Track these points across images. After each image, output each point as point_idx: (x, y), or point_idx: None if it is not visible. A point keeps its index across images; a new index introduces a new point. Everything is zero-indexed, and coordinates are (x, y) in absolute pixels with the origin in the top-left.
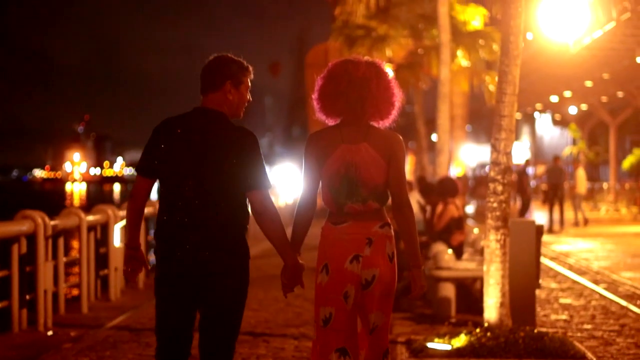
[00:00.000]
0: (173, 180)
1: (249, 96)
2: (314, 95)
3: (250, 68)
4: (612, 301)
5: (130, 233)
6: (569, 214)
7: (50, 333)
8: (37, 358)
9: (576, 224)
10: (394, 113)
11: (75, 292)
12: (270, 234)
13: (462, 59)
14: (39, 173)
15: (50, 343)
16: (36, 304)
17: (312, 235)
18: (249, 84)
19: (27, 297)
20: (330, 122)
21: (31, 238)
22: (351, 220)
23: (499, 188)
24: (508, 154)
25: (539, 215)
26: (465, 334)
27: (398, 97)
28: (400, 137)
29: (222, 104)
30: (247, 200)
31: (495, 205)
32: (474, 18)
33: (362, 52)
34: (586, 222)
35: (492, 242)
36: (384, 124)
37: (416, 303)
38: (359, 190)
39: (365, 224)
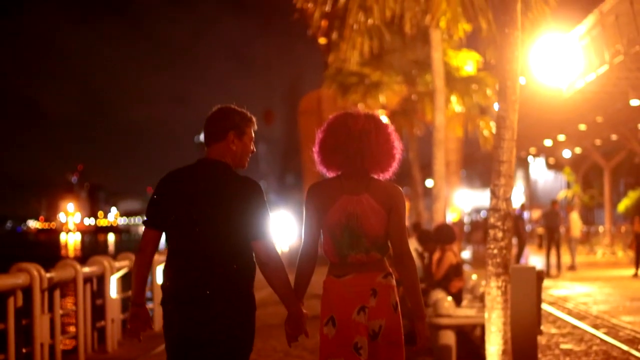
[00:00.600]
0: (179, 232)
1: (252, 146)
2: (315, 149)
3: (254, 119)
4: (613, 346)
5: (137, 289)
6: (565, 258)
7: None
8: None
9: (572, 267)
10: (394, 165)
11: (72, 344)
12: (275, 283)
13: (456, 105)
14: (33, 224)
15: None
16: (33, 357)
17: (312, 282)
18: (253, 134)
19: (24, 350)
20: (331, 175)
21: (27, 291)
22: (354, 273)
23: (499, 234)
24: (507, 200)
25: (534, 259)
26: None
27: (398, 149)
28: (400, 189)
29: (225, 155)
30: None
31: (495, 251)
32: (467, 63)
33: (355, 99)
34: (573, 268)
35: (493, 289)
36: (385, 176)
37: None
38: (362, 241)
39: (369, 275)
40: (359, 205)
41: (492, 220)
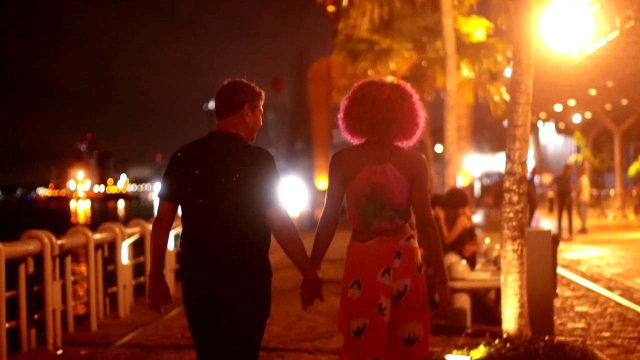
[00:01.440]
0: (194, 204)
1: (260, 121)
2: (339, 115)
3: (263, 94)
4: (628, 308)
5: (154, 263)
6: (576, 221)
7: (59, 352)
8: None
9: (583, 230)
10: (418, 133)
11: (83, 310)
12: (290, 249)
13: (466, 70)
14: (43, 192)
15: None
16: (45, 323)
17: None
18: (262, 109)
19: (36, 316)
20: (355, 142)
21: (38, 258)
22: (378, 237)
23: (515, 198)
24: (523, 164)
25: (545, 223)
26: (484, 345)
27: (422, 117)
28: (424, 157)
29: (238, 127)
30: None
31: (511, 215)
32: (477, 30)
33: (365, 66)
34: (585, 231)
35: (509, 253)
36: (408, 144)
37: (430, 314)
38: (385, 210)
39: (392, 239)
40: (383, 174)
41: (507, 184)
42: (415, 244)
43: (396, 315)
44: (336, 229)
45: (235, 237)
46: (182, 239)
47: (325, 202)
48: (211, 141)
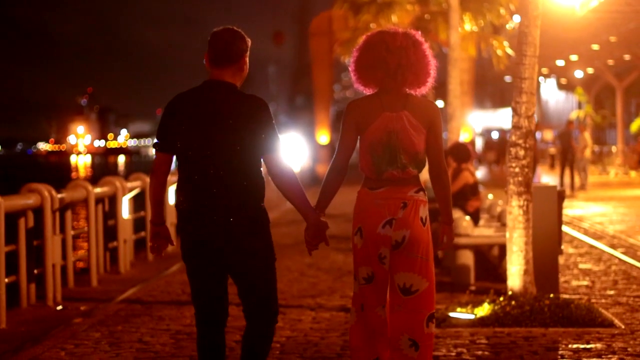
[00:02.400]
0: (191, 153)
1: None
2: (351, 67)
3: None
4: (632, 266)
5: (154, 209)
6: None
7: (59, 308)
8: (46, 334)
9: (582, 187)
10: (431, 81)
11: (83, 265)
12: (290, 194)
13: (469, 24)
14: (43, 146)
15: (60, 318)
16: (44, 278)
17: (338, 203)
18: None
19: (35, 271)
20: (368, 92)
21: (38, 212)
22: (388, 186)
23: (521, 152)
24: (529, 117)
25: (546, 179)
26: (489, 303)
27: (433, 65)
28: (437, 105)
29: (236, 76)
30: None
31: (517, 170)
32: None
33: (367, 19)
34: (584, 187)
35: (515, 208)
36: (421, 91)
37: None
38: (400, 157)
39: (402, 189)
40: (399, 121)
41: (513, 138)
42: (424, 197)
43: (393, 264)
44: (344, 176)
45: (231, 185)
46: (179, 190)
47: (336, 150)
48: (207, 90)
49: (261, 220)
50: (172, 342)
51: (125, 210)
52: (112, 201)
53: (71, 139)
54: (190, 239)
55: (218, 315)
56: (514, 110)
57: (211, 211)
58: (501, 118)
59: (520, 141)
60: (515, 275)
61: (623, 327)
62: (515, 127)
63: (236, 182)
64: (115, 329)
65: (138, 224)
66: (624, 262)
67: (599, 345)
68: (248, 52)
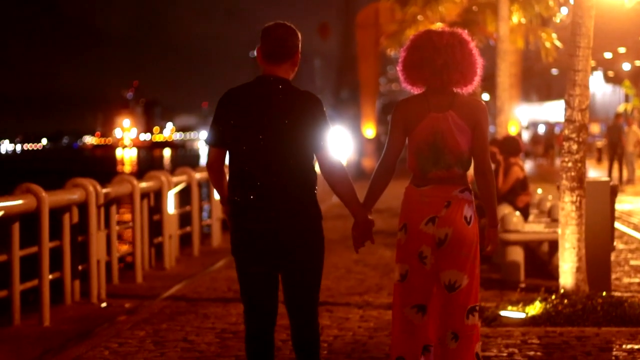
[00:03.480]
0: (244, 148)
1: None
2: (399, 67)
3: None
4: None
5: (221, 193)
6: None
7: (104, 305)
8: (90, 332)
9: (630, 181)
10: (477, 79)
11: (129, 260)
12: (341, 191)
13: (517, 15)
14: (89, 140)
15: (105, 315)
16: (89, 274)
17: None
18: None
19: (80, 267)
20: (415, 91)
21: (83, 207)
22: (433, 184)
23: (574, 147)
24: (583, 111)
25: (593, 173)
26: (540, 301)
27: (480, 64)
28: (484, 104)
29: (289, 72)
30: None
31: (570, 165)
32: None
33: (414, 11)
34: (631, 181)
35: (568, 204)
36: (467, 90)
37: (482, 268)
38: (445, 157)
39: (446, 188)
40: (445, 122)
41: (566, 132)
42: (471, 197)
43: (438, 262)
44: (392, 175)
45: (286, 181)
46: (231, 184)
47: (385, 149)
48: (260, 85)
49: (314, 215)
50: (218, 342)
51: (170, 205)
52: (158, 196)
53: (117, 133)
54: (242, 232)
55: (268, 313)
56: (567, 103)
57: (264, 205)
58: (548, 111)
59: (574, 135)
60: (568, 272)
61: None
62: (568, 120)
63: (289, 176)
64: (160, 327)
65: (183, 219)
66: None
67: None
68: (300, 48)
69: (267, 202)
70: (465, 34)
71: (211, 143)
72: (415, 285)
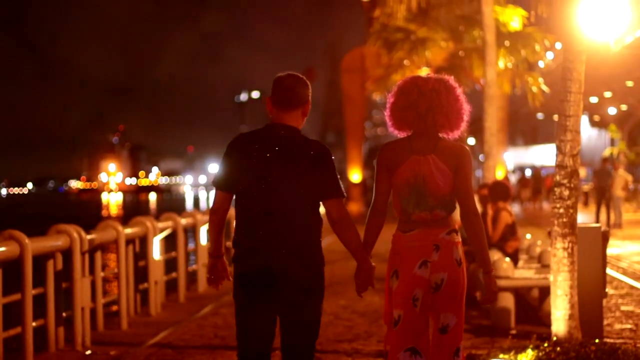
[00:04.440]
0: (251, 193)
1: None
2: (386, 112)
3: None
4: None
5: (214, 243)
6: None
7: (88, 352)
8: None
9: (618, 225)
10: (463, 125)
11: (114, 307)
12: (347, 239)
13: (504, 60)
14: (75, 184)
15: None
16: (73, 321)
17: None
18: None
19: (64, 314)
20: (402, 135)
21: (67, 253)
22: (418, 228)
23: (566, 193)
24: (575, 156)
25: (580, 217)
26: (532, 349)
27: (466, 110)
28: (467, 149)
29: (299, 121)
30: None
31: (562, 211)
32: (512, 19)
33: (401, 55)
34: (619, 225)
35: (559, 251)
36: (453, 135)
37: (472, 314)
38: (427, 200)
39: (432, 231)
40: (426, 165)
41: (557, 177)
42: (457, 238)
43: (434, 306)
44: (384, 218)
45: (292, 226)
46: (237, 228)
47: (374, 194)
48: (270, 132)
49: (318, 262)
50: None
51: (156, 251)
52: (143, 242)
53: (103, 177)
54: (246, 275)
55: (263, 356)
56: (558, 149)
57: (269, 249)
58: (534, 155)
59: (565, 181)
60: (560, 320)
61: None
62: (560, 166)
63: (296, 223)
64: None
65: (169, 265)
66: None
67: None
68: (310, 98)
69: (272, 246)
70: (452, 80)
71: (218, 186)
72: (408, 328)
